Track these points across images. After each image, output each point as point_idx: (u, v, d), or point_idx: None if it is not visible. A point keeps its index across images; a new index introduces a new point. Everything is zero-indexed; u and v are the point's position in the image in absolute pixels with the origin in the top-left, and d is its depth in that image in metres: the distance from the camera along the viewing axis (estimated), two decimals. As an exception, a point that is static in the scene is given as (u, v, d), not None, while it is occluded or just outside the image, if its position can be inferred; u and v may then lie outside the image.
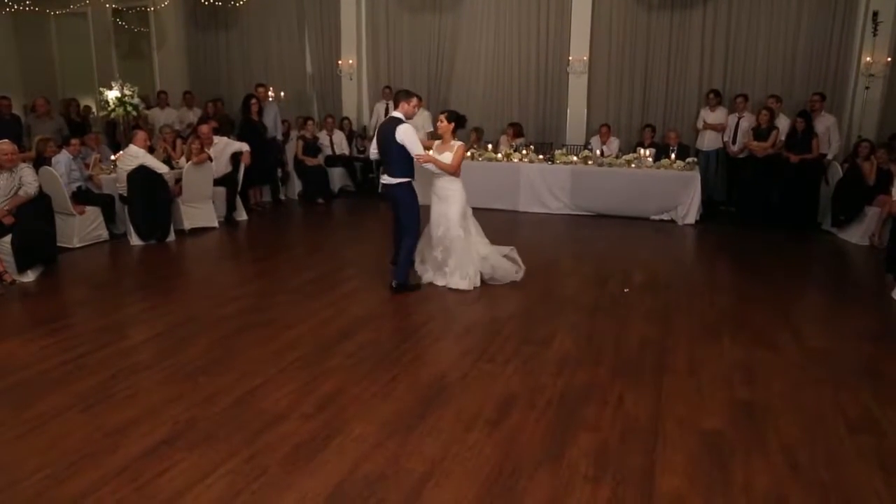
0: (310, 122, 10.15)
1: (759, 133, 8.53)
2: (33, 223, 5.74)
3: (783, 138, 8.43)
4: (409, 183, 5.38)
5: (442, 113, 5.62)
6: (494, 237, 7.96)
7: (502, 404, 3.48)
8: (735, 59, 9.60)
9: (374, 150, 5.58)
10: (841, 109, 9.17)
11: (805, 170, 8.17)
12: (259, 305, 5.08)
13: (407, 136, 5.22)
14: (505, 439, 3.13)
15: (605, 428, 3.24)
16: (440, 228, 5.47)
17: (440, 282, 5.56)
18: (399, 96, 5.36)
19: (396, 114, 5.31)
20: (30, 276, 5.69)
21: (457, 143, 5.49)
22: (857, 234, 7.47)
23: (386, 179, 5.41)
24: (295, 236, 8.19)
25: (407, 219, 5.41)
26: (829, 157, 8.41)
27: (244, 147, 8.22)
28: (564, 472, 2.86)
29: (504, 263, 5.69)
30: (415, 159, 5.30)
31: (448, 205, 5.45)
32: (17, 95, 10.50)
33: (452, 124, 5.47)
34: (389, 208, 5.69)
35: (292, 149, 9.99)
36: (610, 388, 3.68)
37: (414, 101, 5.36)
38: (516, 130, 9.97)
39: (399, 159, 5.28)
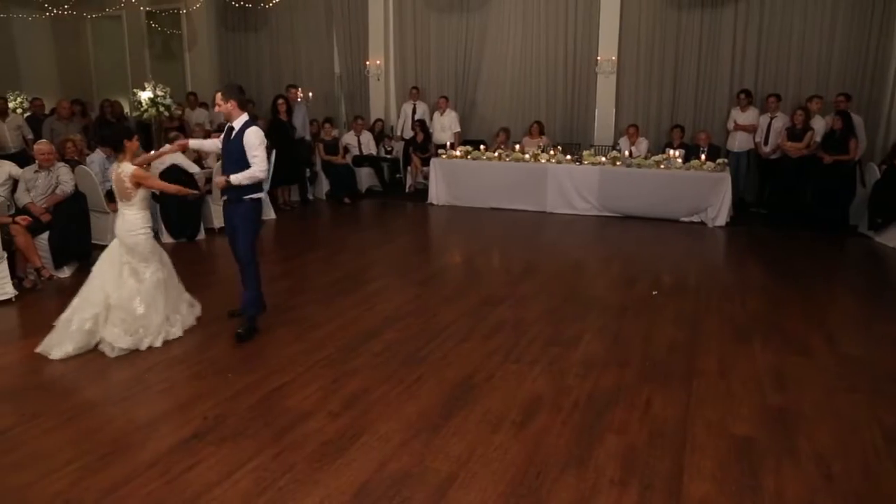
0: (327, 126, 10.22)
1: (794, 134, 8.35)
2: (69, 220, 5.90)
3: (818, 139, 8.25)
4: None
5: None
6: (522, 239, 7.85)
7: (528, 406, 3.47)
8: (767, 59, 9.41)
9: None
10: (878, 110, 8.94)
11: (838, 171, 7.99)
12: (287, 304, 5.13)
13: None
14: (531, 441, 3.11)
15: (633, 431, 3.21)
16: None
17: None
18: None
19: None
20: (66, 272, 5.85)
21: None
22: (894, 238, 7.27)
23: None
24: (322, 236, 8.25)
25: None
26: (856, 158, 8.21)
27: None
28: (591, 475, 2.84)
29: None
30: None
31: None
32: (54, 97, 10.75)
33: None
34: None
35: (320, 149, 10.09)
36: (637, 391, 3.64)
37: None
38: (540, 128, 9.92)
39: None
